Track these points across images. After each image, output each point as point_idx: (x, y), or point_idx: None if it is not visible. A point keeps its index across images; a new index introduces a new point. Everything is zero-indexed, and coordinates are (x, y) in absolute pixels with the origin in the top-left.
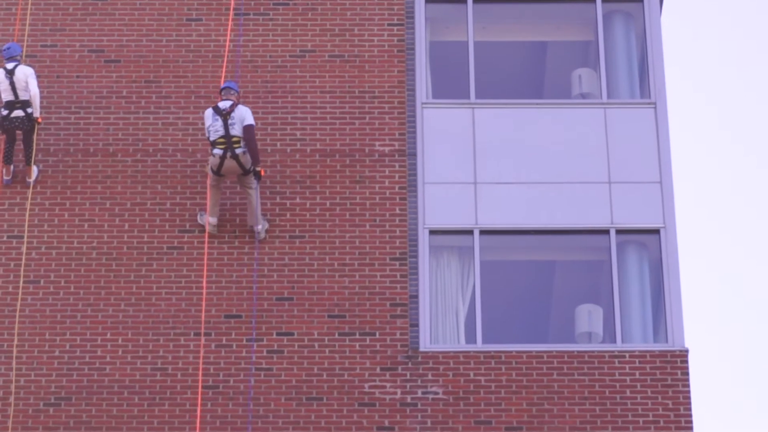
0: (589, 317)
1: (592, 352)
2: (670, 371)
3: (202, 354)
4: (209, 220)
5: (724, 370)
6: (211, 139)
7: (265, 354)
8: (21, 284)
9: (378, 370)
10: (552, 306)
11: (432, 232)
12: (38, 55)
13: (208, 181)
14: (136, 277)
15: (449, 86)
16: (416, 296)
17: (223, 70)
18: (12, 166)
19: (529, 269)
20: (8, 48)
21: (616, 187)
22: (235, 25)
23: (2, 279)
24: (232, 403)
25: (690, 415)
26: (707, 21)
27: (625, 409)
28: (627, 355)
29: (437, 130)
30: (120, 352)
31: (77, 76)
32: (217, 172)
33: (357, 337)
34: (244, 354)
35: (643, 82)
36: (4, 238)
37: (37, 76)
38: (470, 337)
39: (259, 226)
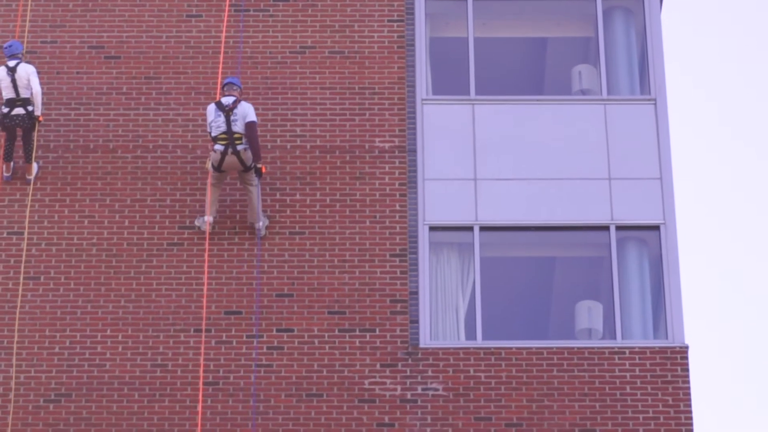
0: (589, 313)
1: (592, 348)
2: (670, 367)
3: (203, 350)
4: (207, 219)
5: (724, 367)
6: (213, 134)
7: (265, 350)
8: (21, 281)
9: (378, 367)
10: (552, 302)
11: (432, 229)
12: (38, 52)
13: (209, 180)
14: (137, 274)
15: (449, 82)
16: (416, 292)
17: (220, 66)
18: (12, 163)
19: (529, 265)
20: (10, 46)
21: (616, 184)
22: (235, 21)
23: (2, 276)
24: (232, 399)
25: (690, 412)
26: (707, 17)
27: (625, 406)
28: (627, 351)
29: (437, 127)
30: (120, 349)
31: (77, 73)
32: (218, 168)
33: (357, 333)
34: (244, 350)
35: (643, 78)
36: (4, 235)
37: (38, 73)
38: (470, 334)
39: (260, 223)
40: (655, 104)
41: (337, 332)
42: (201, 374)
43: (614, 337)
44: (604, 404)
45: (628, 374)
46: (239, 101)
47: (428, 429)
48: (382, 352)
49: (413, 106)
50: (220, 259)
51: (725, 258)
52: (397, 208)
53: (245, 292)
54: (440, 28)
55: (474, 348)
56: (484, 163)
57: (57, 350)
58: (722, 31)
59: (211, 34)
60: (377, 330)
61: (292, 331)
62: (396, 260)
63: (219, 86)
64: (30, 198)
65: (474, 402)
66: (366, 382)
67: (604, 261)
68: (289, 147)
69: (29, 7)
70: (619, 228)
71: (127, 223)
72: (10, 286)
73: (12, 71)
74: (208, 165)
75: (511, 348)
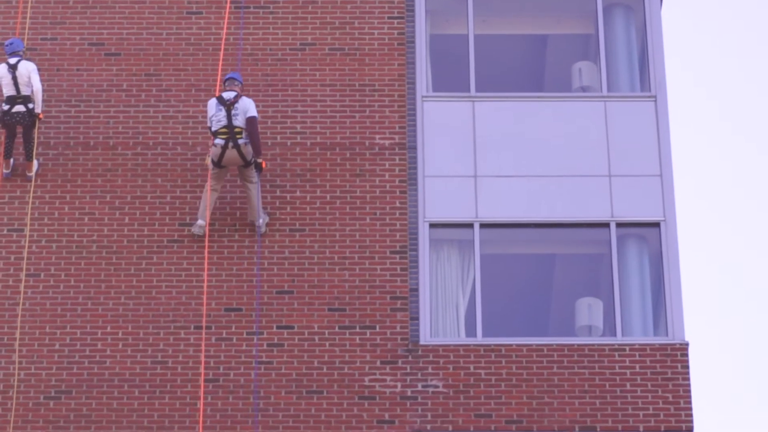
0: (589, 310)
1: (592, 345)
2: (670, 364)
3: (203, 347)
4: (198, 222)
5: (724, 364)
6: (214, 129)
7: (265, 347)
8: (23, 278)
9: (378, 364)
10: (552, 299)
11: (432, 226)
12: (38, 48)
13: (208, 184)
14: (137, 271)
15: (449, 79)
16: (416, 289)
17: (220, 63)
18: (12, 160)
19: (530, 262)
20: (11, 43)
21: (617, 181)
22: (235, 18)
23: (3, 273)
24: (232, 396)
25: (690, 408)
26: (707, 14)
27: (625, 403)
28: (627, 348)
29: (437, 124)
30: (120, 346)
31: (77, 70)
32: (218, 163)
33: (357, 330)
34: (244, 347)
35: (643, 75)
36: (5, 232)
37: (38, 70)
38: (470, 331)
39: (260, 220)
40: (655, 101)
41: (337, 329)
42: (202, 371)
43: (614, 334)
44: (604, 401)
45: (628, 371)
46: (240, 96)
47: (428, 426)
48: (382, 349)
49: (413, 103)
50: (220, 256)
51: (725, 255)
52: (398, 205)
53: (245, 289)
54: (440, 25)
55: (474, 345)
56: (484, 160)
57: (57, 347)
58: (722, 28)
59: (211, 31)
60: (377, 327)
61: (293, 328)
62: (396, 257)
63: (219, 83)
64: (30, 195)
65: (474, 399)
66: (366, 379)
67: (605, 258)
68: (289, 144)
69: (30, 4)
70: (619, 225)
71: (127, 220)
72: (11, 283)
73: (13, 68)
74: (208, 161)
75: (511, 345)
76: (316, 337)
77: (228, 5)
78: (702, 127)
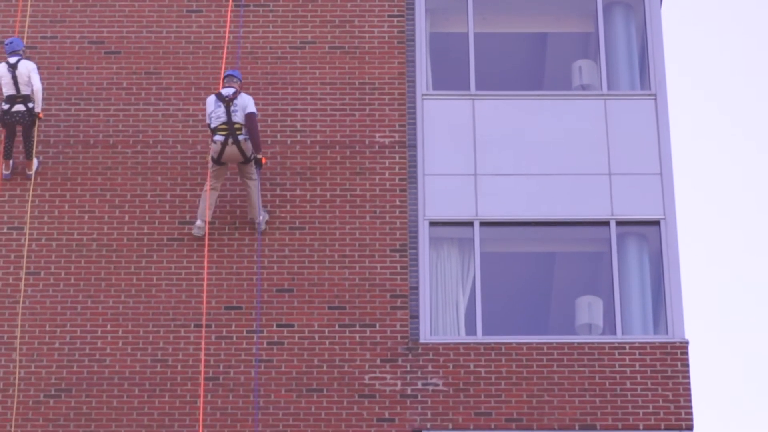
0: (589, 309)
1: (592, 343)
2: (670, 363)
3: (203, 346)
4: (197, 223)
5: (724, 362)
6: (213, 125)
7: (265, 346)
8: (23, 276)
9: (378, 362)
10: (552, 297)
11: (432, 224)
12: (38, 47)
13: (207, 184)
14: (137, 269)
15: (449, 77)
16: (416, 288)
17: (223, 61)
18: (11, 161)
19: (530, 261)
20: (11, 42)
21: (617, 179)
22: (235, 16)
23: (3, 271)
24: (232, 394)
25: (690, 407)
26: (707, 12)
27: (625, 401)
28: (627, 346)
29: (437, 122)
30: (120, 344)
31: (77, 68)
32: (218, 160)
33: (357, 328)
34: (244, 346)
35: (643, 73)
36: (5, 230)
37: (38, 68)
38: (470, 329)
39: (260, 218)
40: (655, 99)
41: (337, 327)
42: (201, 369)
43: (614, 333)
44: (604, 399)
45: (628, 369)
46: (239, 92)
47: (428, 424)
48: (382, 347)
49: (413, 101)
50: (221, 255)
51: (725, 253)
52: (397, 203)
53: (245, 287)
54: (440, 23)
55: (474, 343)
56: (484, 158)
57: (57, 345)
58: (722, 26)
59: (211, 30)
60: (377, 325)
61: (292, 326)
62: (396, 255)
63: (221, 81)
64: (30, 193)
65: (474, 397)
66: (366, 377)
67: (605, 256)
68: (289, 142)
69: (30, 2)
70: (619, 223)
71: (127, 218)
72: (11, 281)
73: (13, 68)
74: (209, 158)
75: (511, 343)
76: (316, 336)
77: (230, 3)
78: (702, 126)
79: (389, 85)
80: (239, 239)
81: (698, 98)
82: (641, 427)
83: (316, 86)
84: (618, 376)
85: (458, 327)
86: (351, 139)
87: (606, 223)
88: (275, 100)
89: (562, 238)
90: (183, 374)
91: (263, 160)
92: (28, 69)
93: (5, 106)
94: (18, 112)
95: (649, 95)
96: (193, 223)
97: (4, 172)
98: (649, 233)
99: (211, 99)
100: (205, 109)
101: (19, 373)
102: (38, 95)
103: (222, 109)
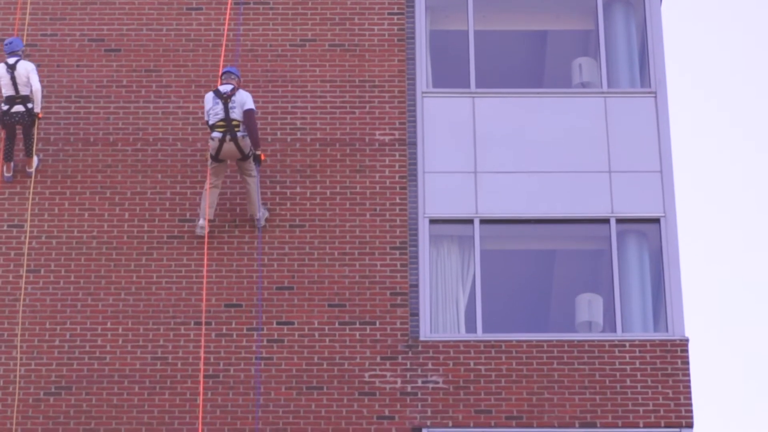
0: (589, 306)
1: (593, 341)
2: (670, 360)
3: (203, 343)
4: (199, 222)
5: (724, 360)
6: (211, 122)
7: (265, 343)
8: (23, 273)
9: (378, 359)
10: (552, 295)
11: (432, 222)
12: (38, 45)
13: (207, 183)
14: (137, 266)
15: (449, 75)
16: (416, 285)
17: (221, 59)
18: (12, 163)
19: (530, 258)
20: (10, 43)
21: (617, 177)
22: (235, 13)
23: (3, 269)
24: (232, 392)
25: (690, 405)
26: (707, 9)
27: (625, 399)
28: (627, 344)
29: (437, 120)
30: (120, 341)
31: (77, 66)
32: (216, 156)
33: (357, 326)
34: (244, 343)
35: (643, 71)
36: (5, 228)
37: (38, 66)
38: (470, 326)
39: (260, 215)
40: (655, 97)
41: (337, 325)
42: (201, 367)
43: (614, 330)
44: (604, 397)
45: (628, 367)
46: (237, 89)
47: (428, 422)
48: (382, 345)
49: (413, 99)
50: (220, 252)
51: (725, 251)
52: (398, 201)
53: (245, 285)
54: (440, 20)
55: (474, 341)
56: (484, 155)
57: (57, 343)
58: (723, 24)
59: (211, 27)
60: (377, 323)
61: (293, 324)
62: (396, 253)
63: (219, 77)
64: (30, 191)
65: (474, 395)
66: (366, 374)
67: (605, 254)
68: (289, 140)
69: (29, 0)
70: (619, 221)
71: (127, 216)
72: (11, 279)
73: (12, 68)
74: (208, 156)
75: (511, 341)
76: (316, 333)
77: (230, 1)
78: (702, 123)
79: (389, 82)
80: (239, 237)
81: (698, 96)
82: (641, 425)
83: (316, 84)
84: (618, 373)
85: (458, 324)
86: (351, 136)
87: (606, 221)
88: (275, 97)
89: (562, 236)
90: (183, 372)
91: (262, 157)
92: (26, 69)
93: (5, 107)
94: (17, 112)
95: (649, 93)
96: (194, 221)
97: (5, 174)
98: (649, 231)
99: (209, 96)
100: (204, 107)
101: (20, 370)
102: (37, 96)
103: (220, 106)
